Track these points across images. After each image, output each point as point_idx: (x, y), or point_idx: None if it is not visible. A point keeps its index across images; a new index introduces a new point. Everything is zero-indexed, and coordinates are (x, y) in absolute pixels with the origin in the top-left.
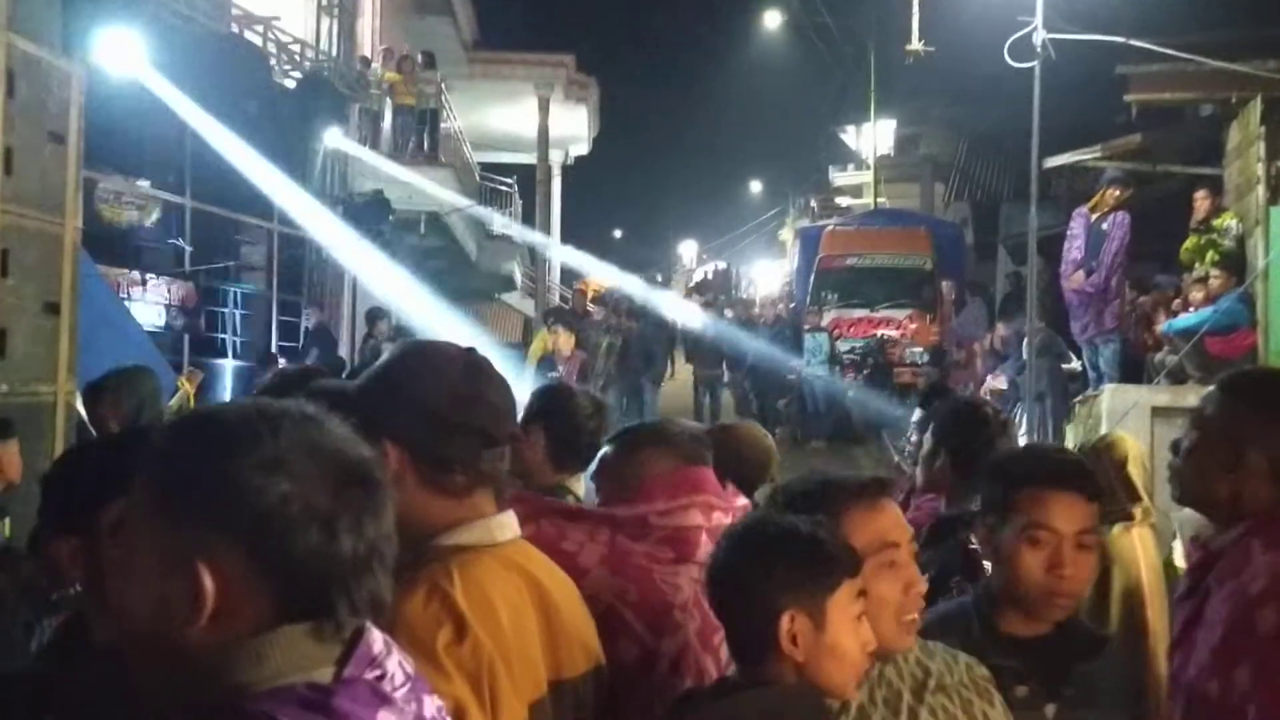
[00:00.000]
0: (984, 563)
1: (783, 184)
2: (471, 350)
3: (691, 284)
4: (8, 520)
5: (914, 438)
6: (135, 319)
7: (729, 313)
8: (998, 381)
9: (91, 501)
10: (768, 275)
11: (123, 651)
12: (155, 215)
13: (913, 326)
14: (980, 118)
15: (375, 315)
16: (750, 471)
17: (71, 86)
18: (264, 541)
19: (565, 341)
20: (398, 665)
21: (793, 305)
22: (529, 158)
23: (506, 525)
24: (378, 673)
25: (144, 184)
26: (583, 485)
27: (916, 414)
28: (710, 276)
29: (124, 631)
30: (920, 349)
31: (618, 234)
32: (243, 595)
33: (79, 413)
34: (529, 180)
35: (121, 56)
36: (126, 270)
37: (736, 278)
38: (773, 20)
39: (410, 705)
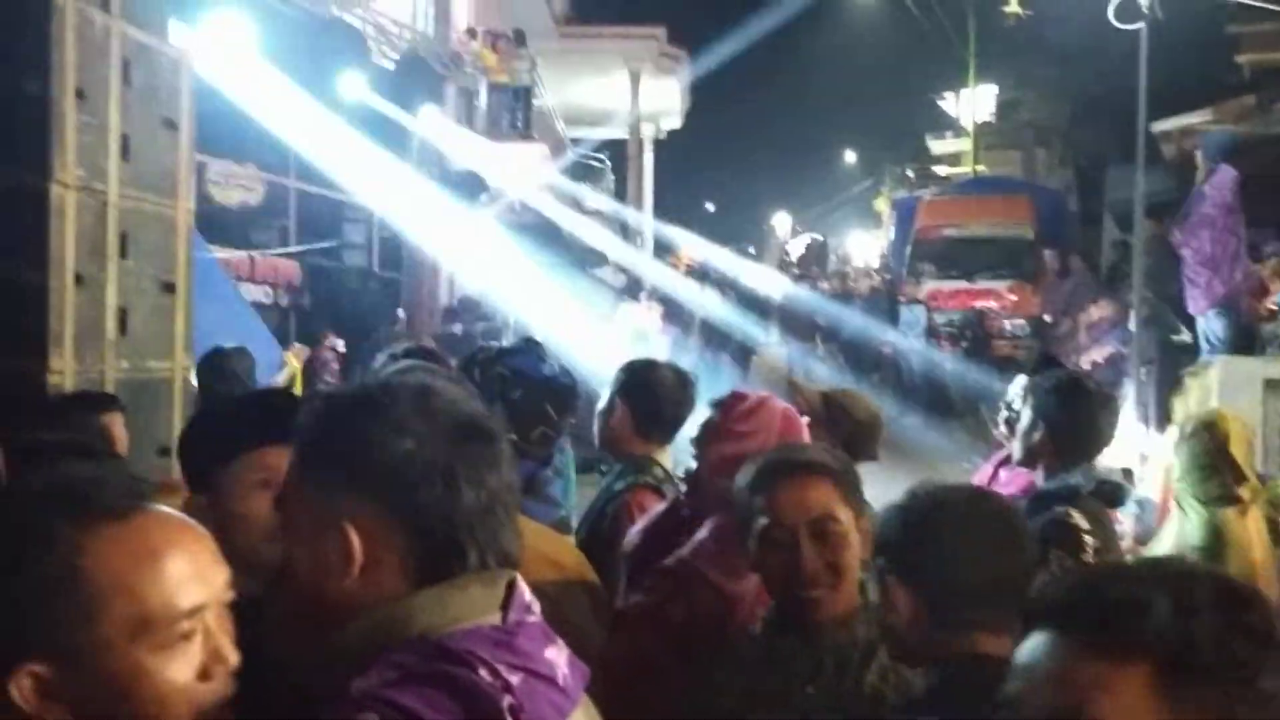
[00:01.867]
0: (1085, 537)
1: (878, 154)
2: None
3: (786, 257)
4: None
5: (1014, 408)
6: (244, 297)
7: (823, 285)
8: (1100, 353)
9: (214, 462)
10: (862, 247)
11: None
12: (262, 196)
13: (1012, 298)
14: (1084, 80)
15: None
16: (862, 438)
17: (182, 73)
18: (394, 497)
19: (654, 314)
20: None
21: (888, 277)
22: (621, 132)
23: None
24: (534, 617)
25: (251, 166)
26: (669, 457)
27: (1014, 386)
28: (806, 249)
29: (290, 588)
30: (1021, 321)
31: (710, 207)
32: (385, 548)
33: (194, 386)
34: (621, 155)
35: (228, 41)
36: (235, 249)
37: (830, 250)
38: None
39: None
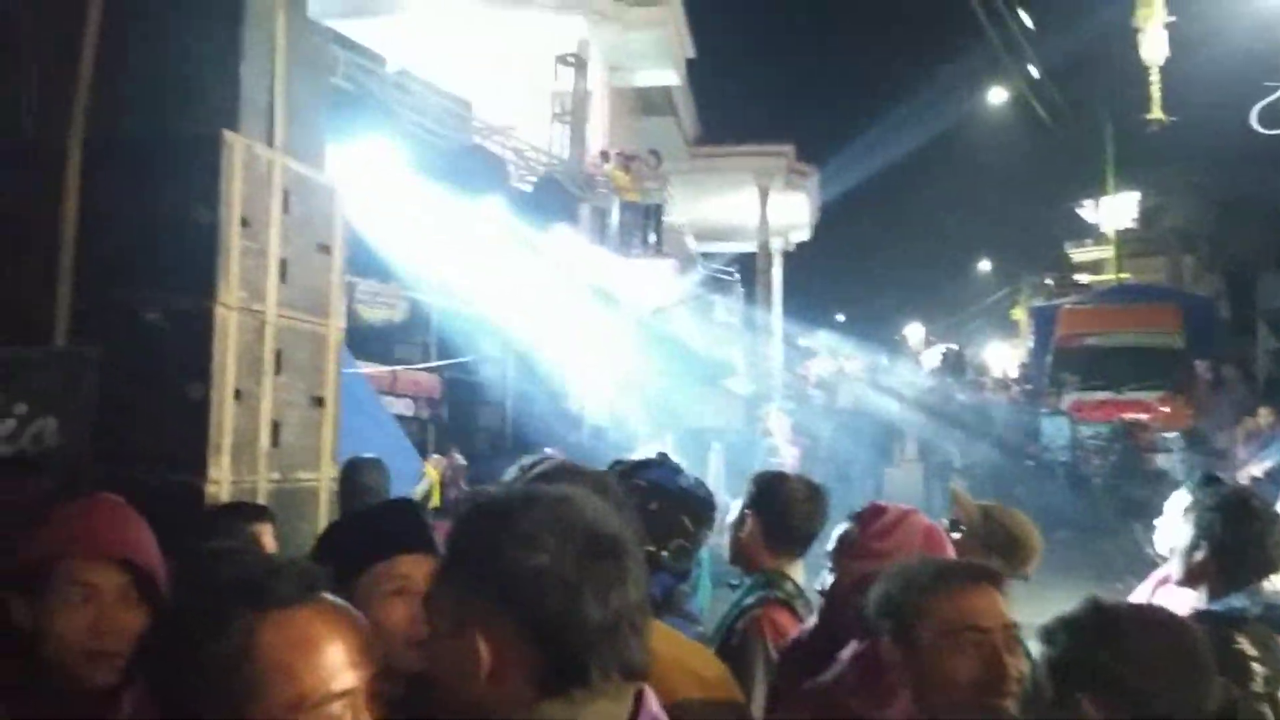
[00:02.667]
0: (1253, 665)
1: (1013, 262)
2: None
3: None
4: None
5: (1171, 528)
6: (387, 410)
7: (960, 396)
8: (1260, 467)
9: (350, 570)
10: (1000, 357)
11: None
12: (405, 313)
13: (1164, 409)
14: (1231, 184)
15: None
16: (1017, 555)
17: (335, 201)
18: (522, 608)
19: (783, 426)
20: None
21: (1028, 388)
22: (750, 246)
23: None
24: None
25: (395, 285)
26: (801, 571)
27: (1172, 501)
28: (941, 359)
29: (429, 689)
30: (1173, 433)
31: (840, 318)
32: (513, 657)
33: (335, 496)
34: (750, 267)
35: (377, 168)
36: (380, 364)
37: (966, 360)
38: (997, 97)
39: None
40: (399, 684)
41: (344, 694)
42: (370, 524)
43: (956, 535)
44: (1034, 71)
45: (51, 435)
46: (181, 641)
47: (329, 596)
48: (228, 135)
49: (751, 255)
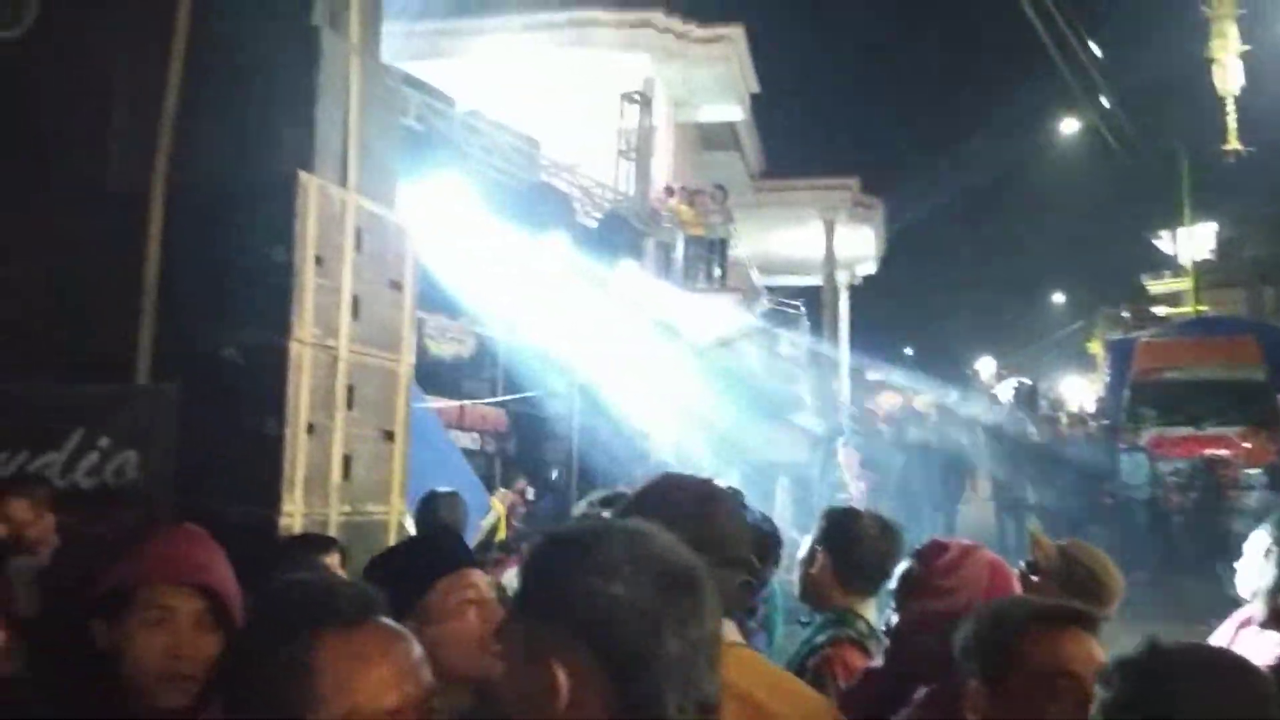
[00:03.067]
0: None
1: (1088, 294)
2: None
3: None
4: None
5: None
6: (454, 444)
7: (1033, 431)
8: None
9: (420, 586)
10: (1075, 391)
11: None
12: (473, 348)
13: (1246, 445)
14: None
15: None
16: (1097, 596)
17: (406, 239)
18: (599, 640)
19: (852, 461)
20: None
21: (1105, 422)
22: (816, 279)
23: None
24: None
25: (463, 320)
26: (873, 610)
27: (1255, 542)
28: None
29: (500, 716)
30: (1257, 470)
31: (909, 351)
32: (589, 688)
33: (407, 530)
34: (816, 301)
35: (446, 206)
36: (448, 399)
37: (1039, 394)
38: (1068, 126)
39: None
40: (467, 694)
41: (396, 711)
42: (425, 548)
43: (1036, 578)
44: (1105, 102)
45: (133, 468)
46: (249, 655)
47: (385, 620)
48: (303, 177)
49: (817, 288)
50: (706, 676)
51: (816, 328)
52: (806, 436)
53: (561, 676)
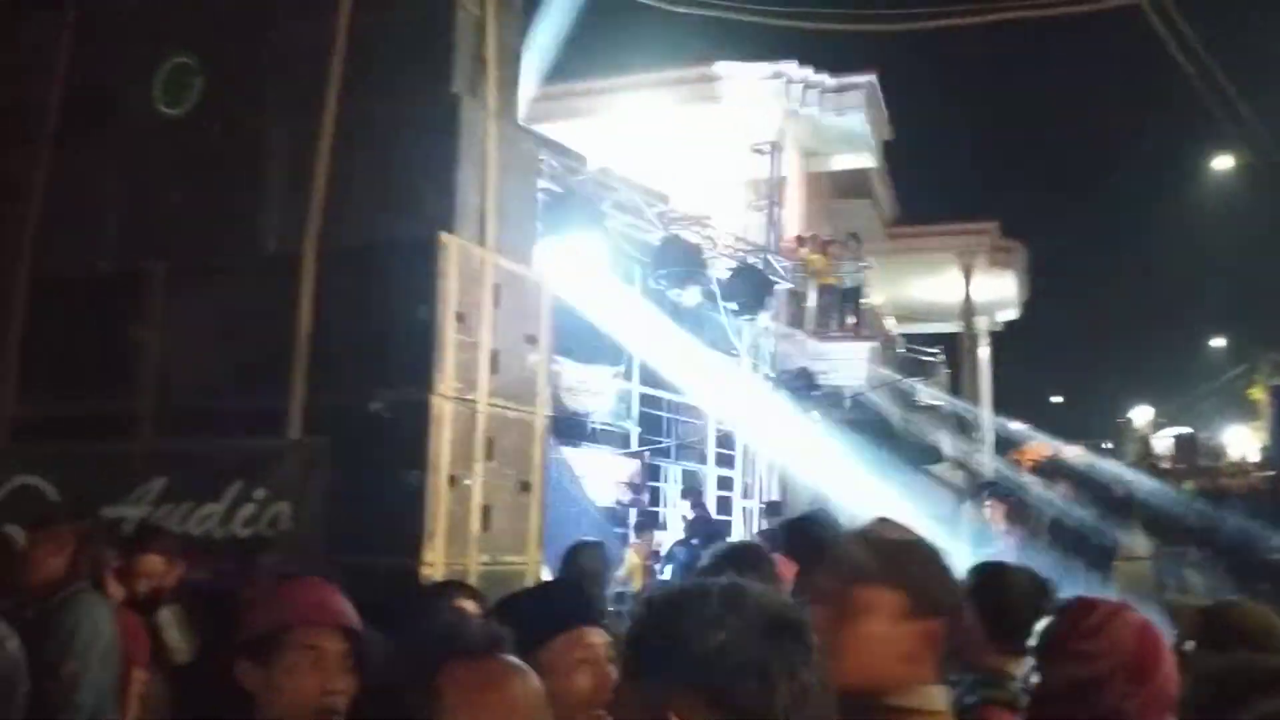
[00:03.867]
0: None
1: (1250, 338)
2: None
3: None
4: None
5: None
6: (590, 495)
7: (1189, 483)
8: None
9: (536, 640)
10: (1237, 440)
11: None
12: (607, 400)
13: None
14: None
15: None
16: (1267, 646)
17: (542, 294)
18: (711, 689)
19: (998, 514)
20: None
21: (1270, 473)
22: (954, 326)
23: (943, 696)
24: None
25: (598, 372)
26: (1024, 669)
27: None
28: (1176, 444)
29: None
30: None
31: (1056, 400)
32: None
33: (542, 580)
34: (955, 348)
35: (580, 262)
36: (583, 450)
37: (1200, 444)
38: (1222, 164)
39: None
40: None
41: None
42: (546, 600)
43: (1187, 645)
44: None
45: (286, 519)
46: (387, 685)
47: (510, 656)
48: (444, 237)
49: (956, 335)
50: (814, 714)
51: (956, 376)
52: (947, 488)
53: None
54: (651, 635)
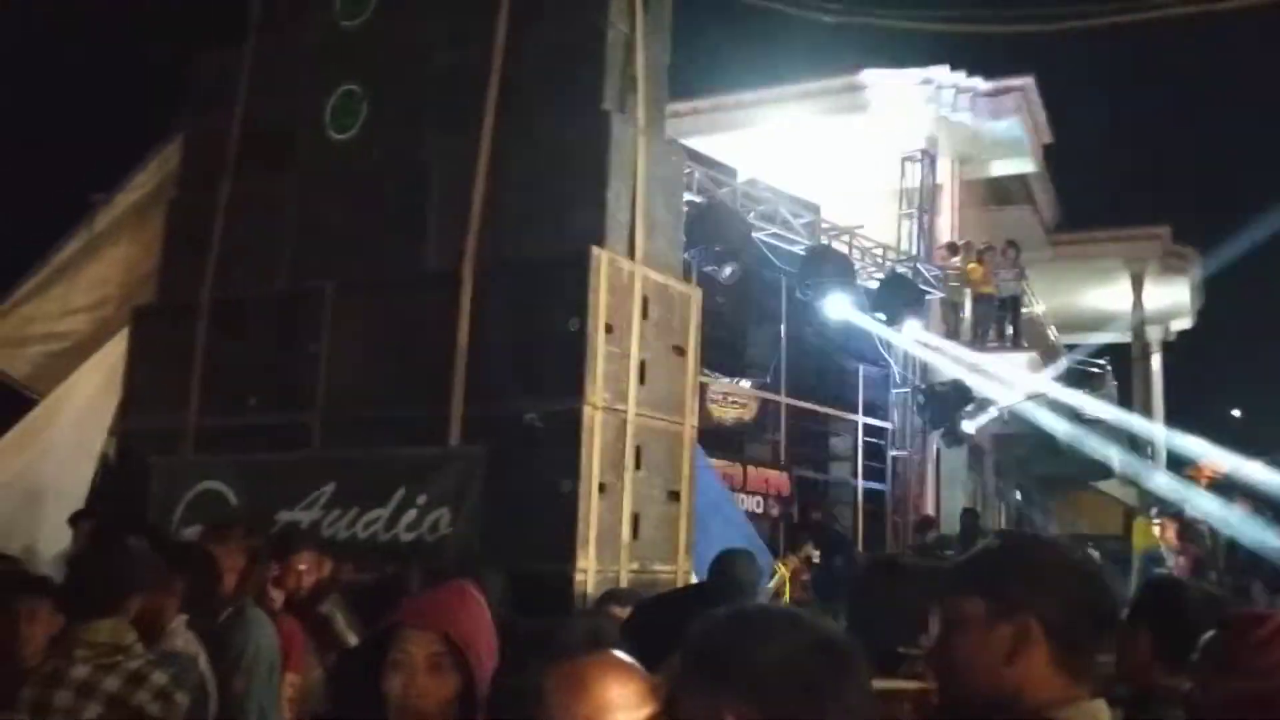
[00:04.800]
0: None
1: None
2: (1081, 544)
3: None
4: None
5: None
6: (738, 506)
7: None
8: None
9: (666, 648)
10: None
11: None
12: (755, 412)
13: None
14: None
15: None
16: None
17: (691, 307)
18: (765, 703)
19: (1170, 532)
20: None
21: None
22: (1123, 336)
23: (1104, 713)
24: None
25: (746, 384)
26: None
27: None
28: None
29: None
30: None
31: (1236, 413)
32: None
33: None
34: (1124, 359)
35: (728, 274)
36: (731, 461)
37: None
38: None
39: None
40: None
41: None
42: (687, 607)
43: None
44: None
45: (445, 525)
46: (497, 686)
47: (614, 651)
48: (595, 251)
49: (1125, 346)
50: None
51: (1125, 388)
52: (1116, 505)
53: None
54: (711, 650)
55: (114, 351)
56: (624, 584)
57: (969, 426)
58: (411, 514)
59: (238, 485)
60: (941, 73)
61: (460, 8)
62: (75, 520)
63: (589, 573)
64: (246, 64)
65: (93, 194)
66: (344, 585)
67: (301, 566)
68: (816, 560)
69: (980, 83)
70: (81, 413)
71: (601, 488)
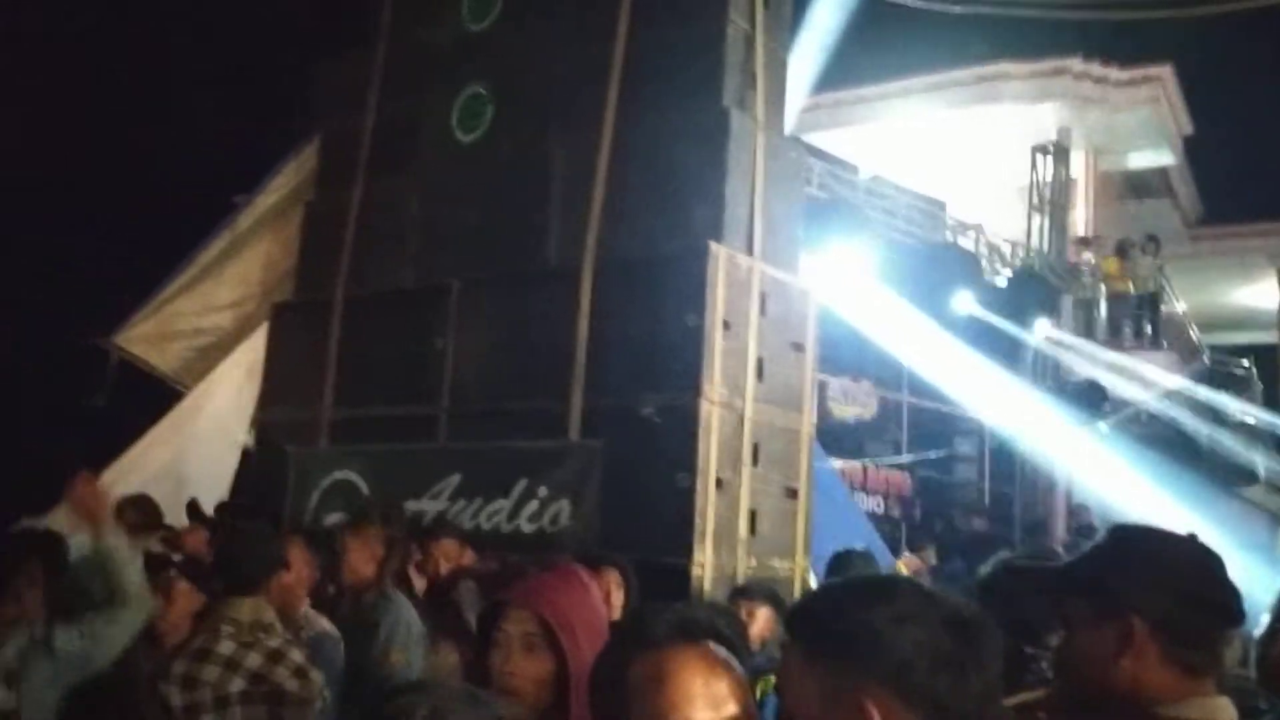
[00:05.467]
0: None
1: None
2: (1193, 535)
3: None
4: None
5: None
6: (858, 505)
7: None
8: None
9: None
10: None
11: None
12: (875, 410)
13: None
14: None
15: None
16: None
17: (809, 303)
18: (905, 682)
19: None
20: None
21: None
22: (1267, 335)
23: (1227, 710)
24: None
25: (866, 383)
26: None
27: None
28: None
29: None
30: None
31: None
32: None
33: (810, 587)
34: (1269, 360)
35: (848, 271)
36: (851, 460)
37: None
38: None
39: None
40: None
41: None
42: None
43: None
44: None
45: (565, 517)
46: (593, 673)
47: (707, 643)
48: (713, 247)
49: (1271, 347)
50: (998, 711)
51: (1271, 390)
52: (1263, 514)
53: (876, 715)
54: (836, 623)
55: (255, 346)
56: (741, 579)
57: (1103, 428)
58: (533, 505)
59: (369, 475)
60: (1074, 63)
61: (582, 8)
62: (194, 510)
63: (706, 567)
64: (376, 68)
65: (235, 196)
66: (475, 573)
67: (446, 551)
68: (934, 563)
69: (1115, 72)
70: (225, 405)
71: (719, 483)
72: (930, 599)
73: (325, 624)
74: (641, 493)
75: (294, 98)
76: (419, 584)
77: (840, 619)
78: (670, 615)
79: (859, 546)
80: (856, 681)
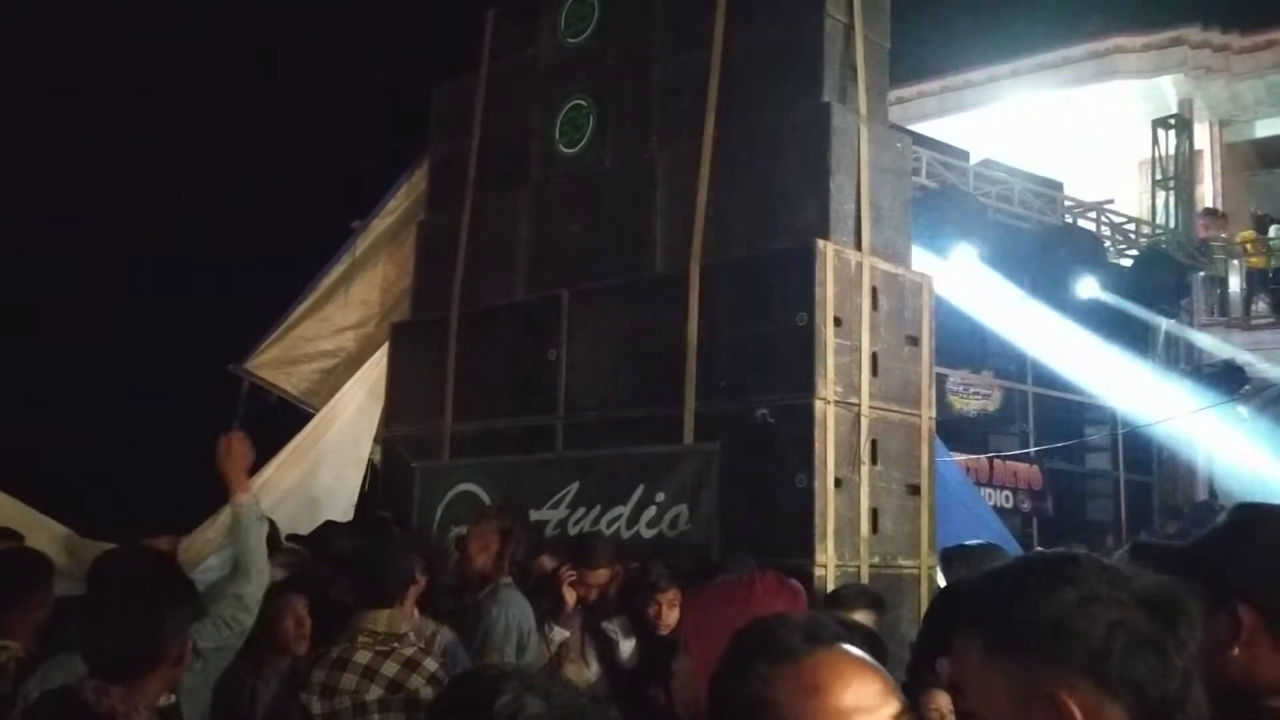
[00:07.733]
0: None
1: None
2: None
3: None
4: None
5: None
6: (984, 500)
7: None
8: None
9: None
10: None
11: None
12: (999, 402)
13: None
14: None
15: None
16: None
17: (923, 295)
18: (1104, 669)
19: None
20: None
21: None
22: None
23: None
24: None
25: (988, 374)
26: None
27: None
28: None
29: None
30: None
31: None
32: (1100, 717)
33: (937, 584)
34: None
35: (964, 261)
36: (975, 455)
37: None
38: None
39: None
40: None
41: None
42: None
43: None
44: None
45: (683, 521)
46: (716, 695)
47: (843, 646)
48: (820, 244)
49: None
50: (1202, 697)
51: None
52: None
53: (1074, 708)
54: (1017, 612)
55: (377, 365)
56: (865, 580)
57: (1243, 411)
58: (651, 511)
59: (490, 486)
60: (1192, 32)
61: (679, 12)
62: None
63: (829, 567)
64: (481, 89)
65: (352, 221)
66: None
67: (597, 579)
68: None
69: (1237, 38)
70: (350, 423)
71: (838, 482)
72: (1118, 576)
73: (435, 627)
74: (759, 494)
75: (407, 124)
76: (569, 600)
77: (1020, 607)
78: (797, 624)
79: (987, 542)
80: (1048, 675)
